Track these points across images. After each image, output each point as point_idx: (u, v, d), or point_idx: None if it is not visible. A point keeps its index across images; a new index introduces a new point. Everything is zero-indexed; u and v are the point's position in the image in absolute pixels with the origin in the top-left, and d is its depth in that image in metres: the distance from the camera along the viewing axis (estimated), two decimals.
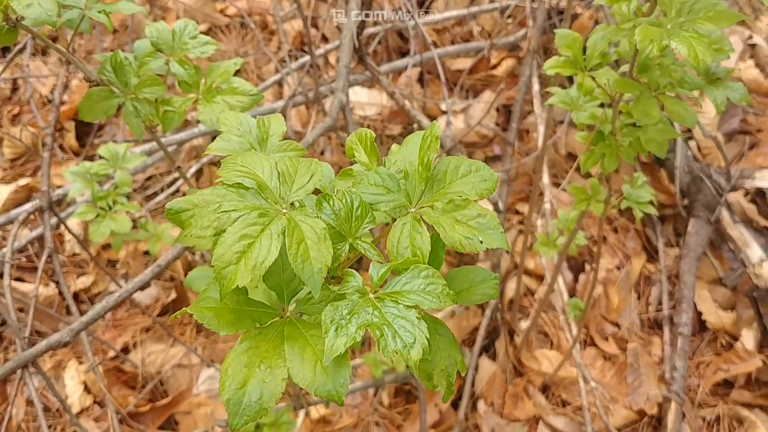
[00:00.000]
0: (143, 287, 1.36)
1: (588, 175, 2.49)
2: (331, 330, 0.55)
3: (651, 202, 1.48)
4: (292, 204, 0.61)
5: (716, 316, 2.43)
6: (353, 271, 0.61)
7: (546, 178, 2.49)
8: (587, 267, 2.55)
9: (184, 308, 0.60)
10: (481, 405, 2.25)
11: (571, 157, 2.85)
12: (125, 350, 2.29)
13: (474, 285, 0.68)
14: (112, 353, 2.25)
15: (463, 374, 0.64)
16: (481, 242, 0.60)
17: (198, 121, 2.11)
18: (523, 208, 2.67)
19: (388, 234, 0.63)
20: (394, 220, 0.65)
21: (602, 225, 1.56)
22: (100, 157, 1.59)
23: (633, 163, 1.24)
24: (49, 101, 2.62)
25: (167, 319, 2.34)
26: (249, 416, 0.57)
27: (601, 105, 1.33)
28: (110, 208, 1.55)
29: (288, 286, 0.64)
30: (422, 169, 0.65)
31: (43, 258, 1.59)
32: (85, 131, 2.61)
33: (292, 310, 0.64)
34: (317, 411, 2.19)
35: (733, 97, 1.18)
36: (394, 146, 0.70)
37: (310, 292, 0.63)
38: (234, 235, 0.57)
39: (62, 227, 2.41)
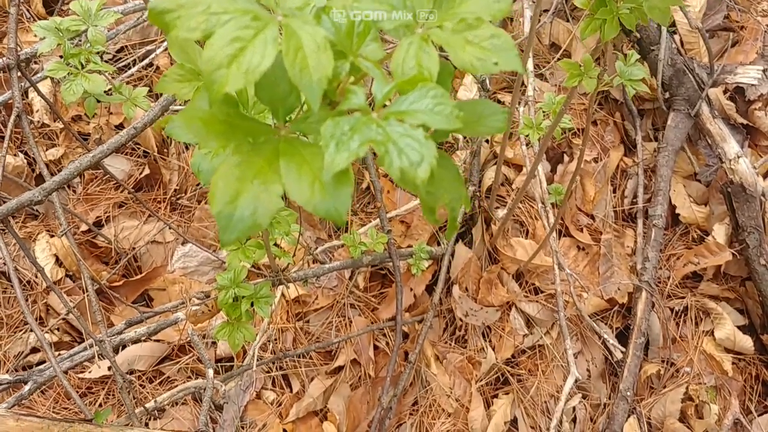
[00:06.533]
0: (119, 150, 1.31)
1: None
2: (331, 145, 0.51)
3: (644, 81, 1.44)
4: (287, 13, 0.56)
5: (690, 211, 2.45)
6: (354, 87, 0.56)
7: (530, 65, 2.44)
8: (566, 158, 2.53)
9: (169, 116, 0.55)
10: (456, 290, 2.27)
11: (554, 47, 2.78)
12: (97, 224, 2.25)
13: (482, 117, 0.64)
14: (83, 228, 2.21)
15: (467, 210, 0.61)
16: (496, 64, 0.56)
17: None
18: (505, 97, 2.63)
19: (393, 54, 0.59)
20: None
21: (592, 102, 1.53)
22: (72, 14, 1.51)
23: (633, 29, 1.19)
24: None
25: (140, 195, 2.30)
26: (241, 231, 0.53)
27: None
28: (83, 67, 1.48)
29: (283, 103, 0.59)
30: None
31: (11, 120, 1.52)
32: None
33: (287, 129, 0.60)
34: (296, 290, 2.19)
35: None
36: None
37: (307, 111, 0.59)
38: (225, 38, 0.52)
39: (29, 97, 2.31)
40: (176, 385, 2.06)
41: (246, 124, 0.58)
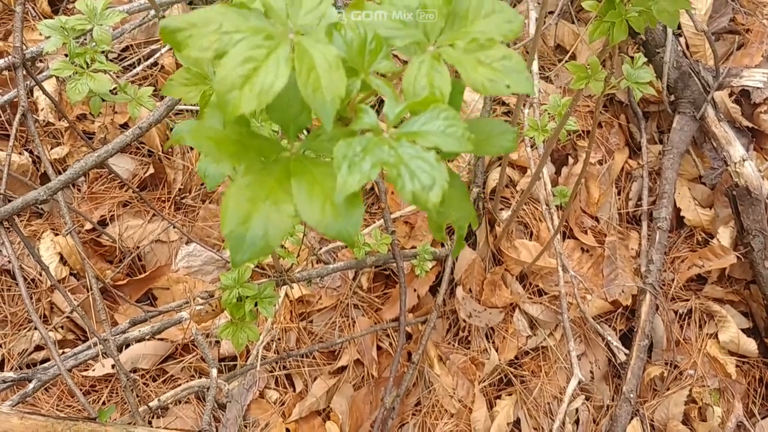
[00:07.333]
0: (123, 149, 1.30)
1: None
2: (343, 166, 0.51)
3: (650, 83, 1.44)
4: (299, 31, 0.56)
5: (694, 213, 2.44)
6: (367, 107, 0.56)
7: (535, 67, 2.43)
8: (570, 160, 2.53)
9: (179, 135, 0.55)
10: (460, 291, 2.27)
11: (560, 48, 2.78)
12: (102, 223, 2.26)
13: (492, 136, 0.64)
14: (88, 226, 2.22)
15: (474, 228, 0.61)
16: (508, 86, 0.56)
17: None
18: (510, 99, 2.62)
19: (404, 73, 0.58)
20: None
21: (599, 105, 1.53)
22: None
23: (642, 32, 1.19)
24: None
25: (144, 194, 2.30)
26: (253, 252, 0.53)
27: None
28: (88, 66, 1.48)
29: (294, 122, 0.59)
30: (443, 3, 0.60)
31: (17, 119, 1.52)
32: None
33: (299, 147, 0.60)
34: (299, 290, 2.19)
35: None
36: None
37: (319, 128, 0.59)
38: (237, 58, 0.51)
39: (35, 96, 2.31)
40: (180, 384, 2.06)
41: (257, 143, 0.57)
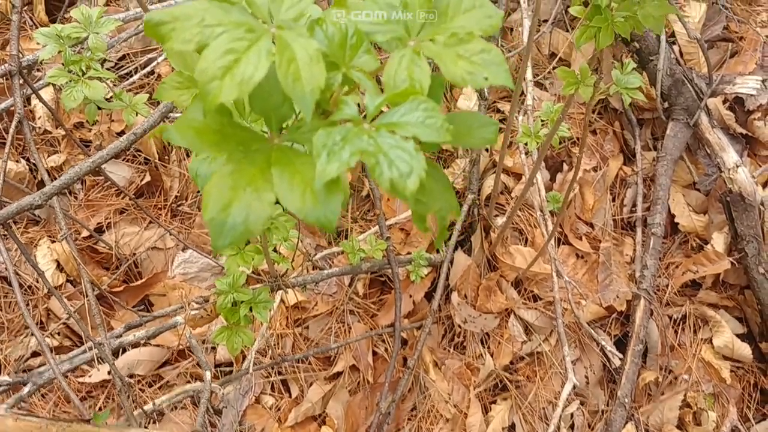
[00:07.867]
0: (119, 156, 1.32)
1: None
2: (323, 154, 0.52)
3: (640, 89, 1.45)
4: (281, 25, 0.57)
5: (689, 219, 2.46)
6: (347, 98, 0.58)
7: (529, 74, 2.45)
8: (565, 167, 2.54)
9: (162, 125, 0.56)
10: (455, 297, 2.27)
11: (554, 56, 2.80)
12: (99, 231, 2.27)
13: (474, 129, 0.65)
14: (85, 233, 2.23)
15: (457, 218, 0.62)
16: (486, 79, 0.57)
17: None
18: (504, 106, 2.64)
19: (385, 67, 0.60)
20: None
21: (590, 111, 1.54)
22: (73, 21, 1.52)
23: (627, 37, 1.21)
24: None
25: (141, 201, 2.31)
26: (233, 237, 0.54)
27: None
28: (84, 74, 1.49)
29: (276, 113, 0.60)
30: (424, 0, 0.61)
31: (13, 126, 1.53)
32: (55, 6, 2.50)
33: (280, 138, 0.61)
34: (295, 296, 2.20)
35: None
36: None
37: (300, 120, 0.60)
38: (218, 50, 0.53)
39: (32, 104, 2.33)
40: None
41: (239, 133, 0.59)
